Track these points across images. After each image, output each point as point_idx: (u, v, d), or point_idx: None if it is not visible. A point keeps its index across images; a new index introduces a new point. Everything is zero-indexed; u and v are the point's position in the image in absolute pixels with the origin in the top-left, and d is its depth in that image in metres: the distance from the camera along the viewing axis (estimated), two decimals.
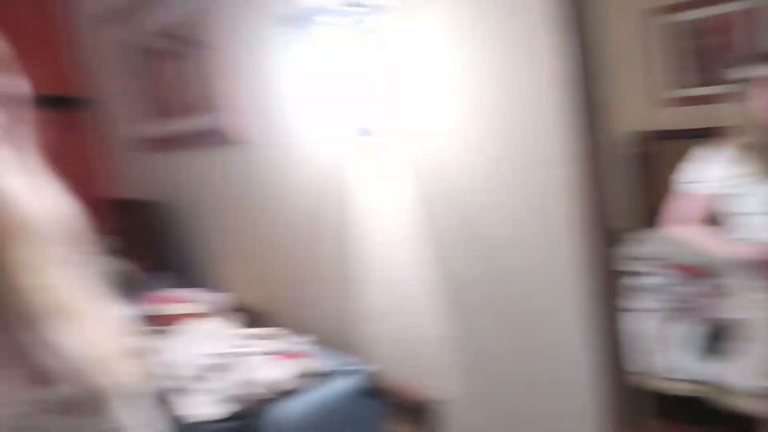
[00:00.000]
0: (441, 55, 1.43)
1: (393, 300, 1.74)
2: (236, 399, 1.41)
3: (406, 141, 1.56)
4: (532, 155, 1.32)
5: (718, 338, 2.40)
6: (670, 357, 2.47)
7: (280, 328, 1.87)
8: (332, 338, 1.95)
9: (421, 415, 1.65)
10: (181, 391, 1.44)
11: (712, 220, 1.76)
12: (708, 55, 3.88)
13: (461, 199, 1.49)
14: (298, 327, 1.98)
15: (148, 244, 2.65)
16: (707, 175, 1.79)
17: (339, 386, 1.58)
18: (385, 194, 1.66)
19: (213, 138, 2.26)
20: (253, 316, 2.30)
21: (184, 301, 2.19)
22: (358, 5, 1.39)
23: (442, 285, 1.61)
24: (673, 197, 1.85)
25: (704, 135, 3.70)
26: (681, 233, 1.84)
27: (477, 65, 1.36)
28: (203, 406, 1.39)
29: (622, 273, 2.78)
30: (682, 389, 2.47)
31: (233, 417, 1.39)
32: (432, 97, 1.48)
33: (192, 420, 1.34)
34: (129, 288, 1.59)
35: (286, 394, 1.49)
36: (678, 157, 4.15)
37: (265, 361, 1.53)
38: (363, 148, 1.68)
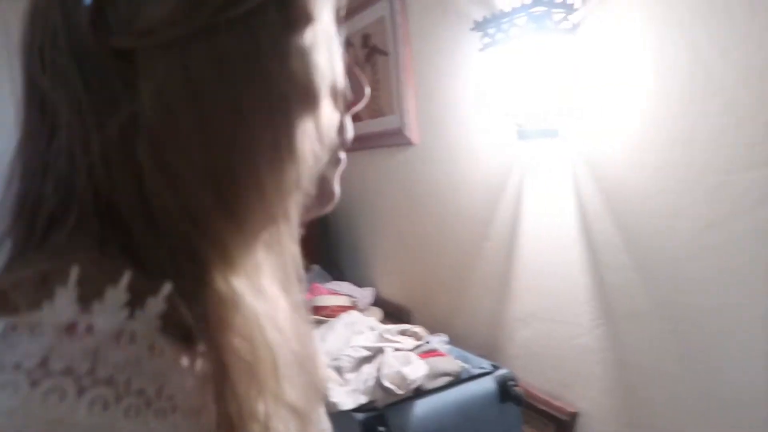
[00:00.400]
0: (631, 53, 1.38)
1: (543, 306, 1.72)
2: (377, 391, 1.48)
3: (583, 144, 1.54)
4: (725, 160, 1.23)
5: None
6: None
7: (423, 327, 1.93)
8: (474, 341, 1.97)
9: (559, 425, 1.61)
10: (330, 377, 1.55)
11: None
12: None
13: (630, 205, 1.43)
14: (439, 327, 2.03)
15: (307, 237, 2.86)
16: None
17: (476, 388, 1.59)
18: (552, 199, 1.65)
19: (384, 140, 2.39)
20: (396, 313, 2.40)
21: (335, 294, 2.34)
22: (553, 4, 1.41)
23: (596, 294, 1.56)
24: None
25: None
26: None
27: (672, 63, 1.30)
28: (347, 395, 1.49)
29: None
30: None
31: (370, 409, 1.46)
32: (613, 99, 1.44)
33: (334, 409, 1.44)
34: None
35: (423, 392, 1.54)
36: None
37: (406, 358, 1.59)
38: (532, 152, 1.69)
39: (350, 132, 0.53)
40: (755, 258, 1.19)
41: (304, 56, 0.42)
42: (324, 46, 0.44)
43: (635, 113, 1.39)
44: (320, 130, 0.45)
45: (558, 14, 1.44)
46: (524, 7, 1.42)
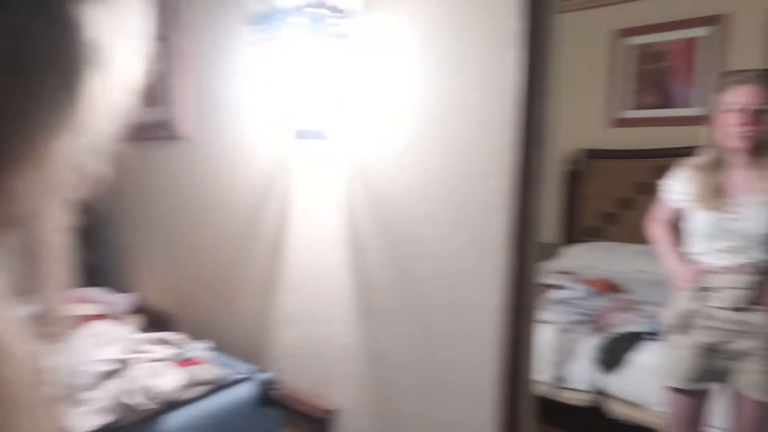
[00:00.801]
0: (396, 66, 1.44)
1: (305, 307, 1.73)
2: (121, 408, 1.36)
3: (349, 147, 1.57)
4: (473, 168, 1.34)
5: (616, 351, 2.51)
6: (573, 368, 2.58)
7: (179, 334, 1.82)
8: (238, 345, 1.92)
9: (318, 424, 1.64)
10: (68, 399, 1.38)
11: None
12: (663, 78, 4.04)
13: (393, 207, 1.50)
14: (202, 333, 1.94)
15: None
16: (674, 188, 1.88)
17: (235, 395, 1.55)
18: (318, 200, 1.66)
19: (151, 132, 2.18)
20: (158, 320, 2.24)
21: (86, 301, 2.10)
22: (327, 8, 1.41)
23: (357, 293, 1.61)
24: (657, 201, 1.95)
25: (655, 155, 3.85)
26: (652, 233, 1.94)
27: (430, 78, 1.39)
28: (86, 416, 1.33)
29: (541, 286, 2.88)
30: (582, 399, 2.58)
31: (116, 428, 1.34)
32: (381, 106, 1.49)
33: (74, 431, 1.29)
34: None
35: (177, 403, 1.45)
36: (617, 175, 4.28)
37: (156, 368, 1.48)
38: (303, 152, 1.68)
39: (123, 115, 0.47)
40: (489, 257, 1.33)
41: (76, 26, 0.38)
42: (101, 17, 0.40)
43: (402, 122, 1.46)
44: (88, 105, 0.40)
45: (331, 18, 1.46)
46: (298, 8, 1.42)
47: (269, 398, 1.58)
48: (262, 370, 1.66)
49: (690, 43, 3.68)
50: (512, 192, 1.26)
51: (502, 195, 1.29)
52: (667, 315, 1.88)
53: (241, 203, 1.92)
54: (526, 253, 1.25)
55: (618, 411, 2.50)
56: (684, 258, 1.80)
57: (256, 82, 1.76)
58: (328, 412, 1.63)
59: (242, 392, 1.57)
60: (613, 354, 2.50)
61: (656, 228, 1.88)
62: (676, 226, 1.87)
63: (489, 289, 1.34)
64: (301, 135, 1.63)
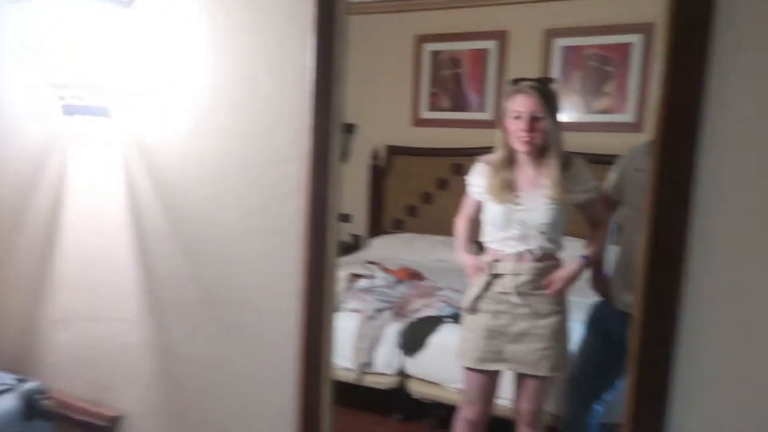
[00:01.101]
0: (184, 45, 1.35)
1: (83, 304, 1.54)
2: None
3: (132, 127, 1.43)
4: (267, 153, 1.30)
5: (417, 335, 2.64)
6: (378, 353, 2.65)
7: None
8: (5, 353, 1.65)
9: None
10: None
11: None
12: (459, 83, 4.30)
13: (182, 194, 1.40)
14: None
15: None
16: (474, 182, 1.94)
17: None
18: (97, 184, 1.50)
19: None
20: None
21: None
22: None
23: (144, 286, 1.47)
24: (465, 196, 2.01)
25: (452, 154, 4.08)
26: (456, 226, 2.02)
27: (220, 59, 1.33)
28: None
29: (350, 276, 2.91)
30: (387, 382, 2.67)
31: None
32: (167, 86, 1.38)
33: None
34: None
35: None
36: (419, 171, 4.49)
37: None
38: (80, 131, 1.49)
39: None
40: (286, 242, 1.30)
41: None
42: None
43: (189, 103, 1.37)
44: None
45: None
46: None
47: (37, 410, 1.37)
48: (27, 379, 1.44)
49: (479, 53, 4.02)
50: (307, 177, 1.23)
51: (297, 180, 1.27)
52: (463, 300, 2.00)
53: (6, 187, 1.65)
54: (323, 238, 1.24)
55: (419, 391, 2.62)
56: (475, 250, 1.93)
57: (21, 48, 1.52)
58: (111, 419, 1.46)
59: (3, 405, 1.34)
60: (414, 338, 2.61)
61: (460, 222, 2.00)
62: (478, 220, 1.99)
63: (286, 275, 1.30)
64: (78, 111, 1.43)
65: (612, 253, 2.02)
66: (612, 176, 2.05)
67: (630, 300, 1.87)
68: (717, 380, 0.99)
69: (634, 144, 2.00)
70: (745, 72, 0.93)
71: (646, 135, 1.98)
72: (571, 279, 1.82)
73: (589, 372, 1.92)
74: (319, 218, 1.23)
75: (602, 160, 2.00)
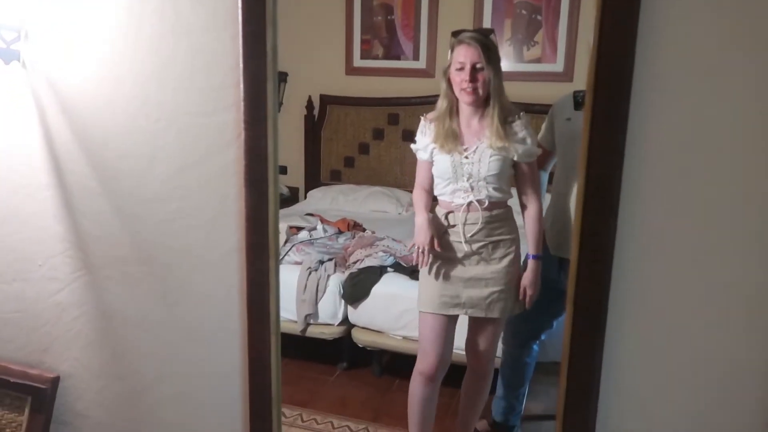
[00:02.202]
0: None
1: (9, 264, 1.45)
2: None
3: (50, 72, 1.32)
4: (199, 101, 1.24)
5: (359, 285, 2.67)
6: (321, 304, 2.68)
7: None
8: None
9: (34, 395, 1.41)
10: None
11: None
12: (392, 31, 4.20)
13: (107, 146, 1.32)
14: None
15: None
16: (420, 143, 1.93)
17: None
18: (12, 136, 1.39)
19: None
20: None
21: None
22: None
23: (72, 244, 1.40)
24: (418, 165, 1.99)
25: (387, 104, 4.02)
26: (414, 197, 2.00)
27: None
28: None
29: (283, 227, 2.89)
30: (332, 332, 2.71)
31: None
32: (85, 27, 1.28)
33: None
34: None
35: None
36: (355, 121, 4.43)
37: None
38: None
39: None
40: (224, 195, 1.26)
41: None
42: None
43: (106, 44, 1.27)
44: None
45: None
46: None
47: None
48: None
49: (411, 0, 3.95)
50: (243, 126, 1.18)
51: (232, 131, 1.22)
52: (416, 249, 2.02)
53: None
54: (263, 190, 1.20)
55: (364, 339, 2.68)
56: (431, 218, 1.93)
57: None
58: (51, 380, 1.41)
59: None
60: (357, 288, 2.65)
61: (416, 192, 1.99)
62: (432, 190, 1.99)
63: (227, 229, 1.27)
64: None
65: (545, 203, 2.09)
66: (543, 126, 2.10)
67: (564, 246, 1.97)
68: (648, 314, 1.05)
69: (562, 94, 2.05)
70: (676, 18, 0.96)
71: (575, 84, 2.04)
72: (537, 278, 1.91)
73: (528, 314, 2.01)
74: (258, 169, 1.19)
75: (534, 110, 2.04)
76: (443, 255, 1.93)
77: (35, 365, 1.47)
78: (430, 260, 1.89)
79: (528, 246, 1.91)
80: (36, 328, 1.47)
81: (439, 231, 1.91)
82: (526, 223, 1.93)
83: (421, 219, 1.91)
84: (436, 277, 1.95)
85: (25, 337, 1.48)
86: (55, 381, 1.42)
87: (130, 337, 1.41)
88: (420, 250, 1.87)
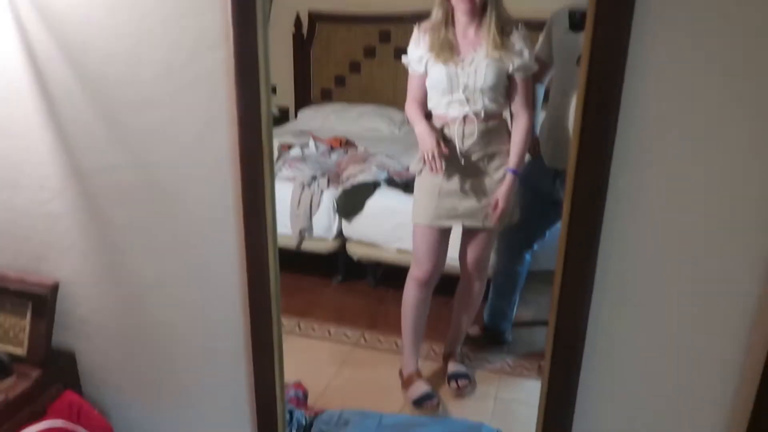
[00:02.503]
0: None
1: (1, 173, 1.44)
2: None
3: None
4: (184, 33, 1.20)
5: (354, 199, 2.68)
6: (316, 219, 2.69)
7: None
8: None
9: (35, 301, 1.43)
10: None
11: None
12: None
13: (88, 50, 1.28)
14: None
15: None
16: (413, 55, 1.88)
17: None
18: None
19: None
20: None
21: None
22: None
23: (60, 152, 1.37)
24: (410, 79, 1.95)
25: (379, 21, 3.88)
26: (408, 111, 1.96)
27: None
28: None
29: (275, 144, 2.86)
30: (327, 247, 2.74)
31: None
32: None
33: None
34: None
35: None
36: (345, 39, 4.31)
37: None
38: None
39: None
40: (215, 98, 1.22)
41: None
42: None
43: None
44: None
45: None
46: None
47: None
48: None
49: None
50: (231, 28, 1.14)
51: (220, 30, 1.17)
52: (413, 163, 2.01)
53: None
54: (253, 94, 1.17)
55: (358, 252, 2.72)
56: (431, 125, 1.89)
57: None
58: (50, 287, 1.43)
59: None
60: (351, 203, 2.65)
61: (410, 107, 1.95)
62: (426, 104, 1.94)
63: (219, 132, 1.24)
64: None
65: (542, 117, 2.07)
66: (541, 38, 2.04)
67: (559, 156, 1.96)
68: (645, 217, 1.05)
69: (559, 6, 1.98)
70: None
71: None
72: (511, 193, 1.91)
73: (522, 224, 2.03)
74: (249, 71, 1.15)
75: (532, 26, 1.97)
76: (439, 167, 1.93)
77: (33, 272, 1.49)
78: (444, 164, 1.87)
79: (510, 160, 1.90)
80: (29, 238, 1.47)
81: (440, 123, 1.89)
82: (512, 137, 1.91)
83: (421, 127, 1.88)
84: (432, 189, 1.95)
85: (18, 246, 1.48)
86: (54, 287, 1.44)
87: (126, 244, 1.41)
88: (430, 157, 1.85)
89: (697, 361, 1.10)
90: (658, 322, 1.10)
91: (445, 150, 1.84)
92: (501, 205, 1.90)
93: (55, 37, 1.29)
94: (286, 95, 3.97)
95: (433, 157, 1.84)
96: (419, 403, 2.05)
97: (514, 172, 1.89)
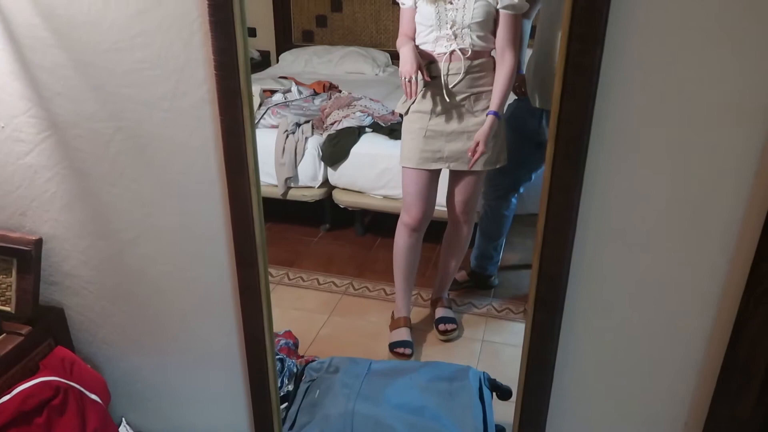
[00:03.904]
0: None
1: None
2: None
3: None
4: None
5: (338, 146, 2.64)
6: (301, 167, 2.66)
7: None
8: None
9: (19, 258, 1.41)
10: None
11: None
12: None
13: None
14: None
15: None
16: None
17: None
18: None
19: None
20: None
21: None
22: None
23: (33, 104, 1.33)
24: (401, 14, 1.91)
25: None
26: (398, 42, 1.90)
27: None
28: None
29: (256, 90, 2.79)
30: (312, 195, 2.72)
31: None
32: None
33: None
34: None
35: None
36: None
37: None
38: None
39: None
40: (188, 41, 1.17)
41: None
42: None
43: None
44: None
45: None
46: None
47: None
48: None
49: None
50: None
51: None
52: (399, 104, 1.97)
53: None
54: (228, 30, 1.11)
55: (345, 200, 2.70)
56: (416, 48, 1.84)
57: None
58: (33, 242, 1.41)
59: None
60: (336, 149, 2.62)
61: (400, 39, 1.89)
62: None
63: (196, 76, 1.20)
64: None
65: (528, 54, 2.02)
66: None
67: (546, 97, 1.93)
68: (626, 163, 1.04)
69: None
70: None
71: None
72: (490, 135, 1.86)
73: (508, 167, 2.02)
74: (223, 7, 1.10)
75: None
76: (424, 108, 1.89)
77: (15, 229, 1.46)
78: (420, 90, 1.84)
79: (491, 101, 1.86)
80: (9, 192, 1.44)
81: (426, 61, 1.84)
82: (496, 77, 1.86)
83: (407, 48, 1.82)
84: (418, 131, 1.92)
85: (0, 201, 1.45)
86: (38, 243, 1.42)
87: (108, 196, 1.38)
88: (407, 80, 1.79)
89: (679, 298, 1.11)
90: (641, 260, 1.11)
91: (426, 77, 1.80)
92: (480, 147, 1.87)
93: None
94: (266, 39, 3.85)
95: (410, 80, 1.78)
96: (394, 347, 2.08)
97: (495, 114, 1.85)
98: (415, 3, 1.82)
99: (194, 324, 1.47)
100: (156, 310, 1.49)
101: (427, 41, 1.84)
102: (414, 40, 1.87)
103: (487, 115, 1.86)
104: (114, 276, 1.48)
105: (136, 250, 1.43)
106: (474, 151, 1.88)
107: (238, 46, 1.12)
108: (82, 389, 1.42)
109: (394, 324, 2.14)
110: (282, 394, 1.60)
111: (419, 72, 1.80)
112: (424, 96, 1.88)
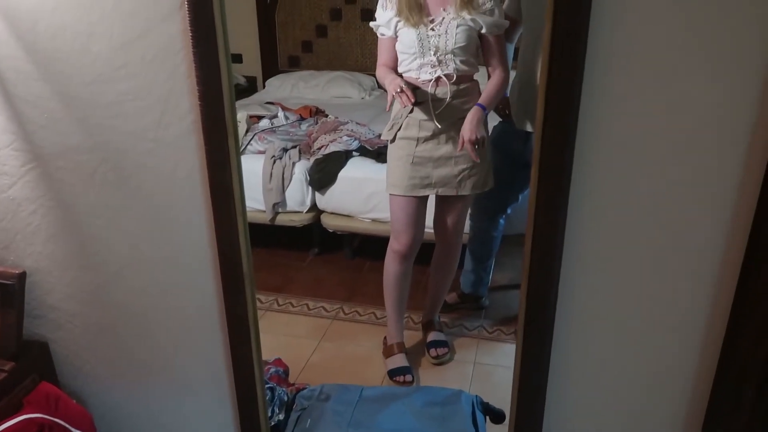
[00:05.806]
0: None
1: None
2: None
3: None
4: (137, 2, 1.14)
5: (326, 170, 2.65)
6: (288, 192, 2.66)
7: None
8: None
9: (3, 291, 1.39)
10: None
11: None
12: None
13: (35, 25, 1.22)
14: None
15: None
16: (382, 18, 1.84)
17: None
18: None
19: None
20: None
21: None
22: None
23: (16, 136, 1.32)
24: (379, 45, 1.91)
25: None
26: (379, 75, 1.92)
27: None
28: None
29: (242, 116, 2.79)
30: (300, 219, 2.72)
31: None
32: None
33: None
34: None
35: None
36: (311, 2, 4.20)
37: None
38: None
39: None
40: (173, 71, 1.18)
41: None
42: None
43: None
44: None
45: None
46: None
47: None
48: None
49: None
50: (200, 26, 1.09)
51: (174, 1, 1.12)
52: (385, 131, 1.98)
53: None
54: (212, 61, 1.12)
55: (333, 224, 2.70)
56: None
57: None
58: (17, 276, 1.39)
59: None
60: (323, 174, 2.62)
61: (381, 70, 1.90)
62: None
63: (180, 107, 1.20)
64: None
65: (511, 77, 2.04)
66: None
67: (530, 118, 1.95)
68: (609, 183, 1.05)
69: None
70: None
71: None
72: (478, 123, 1.83)
73: (495, 188, 2.03)
74: (206, 39, 1.10)
75: None
76: (410, 135, 1.90)
77: (1, 263, 1.45)
78: (407, 114, 1.85)
79: (481, 98, 1.85)
80: None
81: (411, 87, 1.84)
82: (488, 83, 1.87)
83: (390, 77, 1.83)
84: (405, 158, 1.93)
85: None
86: (22, 276, 1.40)
87: (92, 227, 1.37)
88: (399, 90, 1.76)
89: (670, 316, 1.12)
90: (628, 279, 1.11)
91: (412, 99, 1.77)
92: (465, 136, 1.82)
93: (3, 14, 1.22)
94: (252, 64, 3.88)
95: (402, 90, 1.75)
96: (394, 374, 2.06)
97: (482, 107, 1.84)
98: (396, 32, 1.83)
99: (182, 355, 1.45)
100: (142, 342, 1.47)
101: (411, 68, 1.85)
102: (395, 69, 1.88)
103: (474, 106, 1.85)
104: (99, 308, 1.46)
105: (122, 281, 1.41)
106: (461, 146, 1.85)
107: (222, 77, 1.13)
108: (67, 426, 1.39)
109: (389, 351, 2.13)
110: (273, 423, 1.57)
111: (404, 82, 1.79)
112: (410, 123, 1.88)
